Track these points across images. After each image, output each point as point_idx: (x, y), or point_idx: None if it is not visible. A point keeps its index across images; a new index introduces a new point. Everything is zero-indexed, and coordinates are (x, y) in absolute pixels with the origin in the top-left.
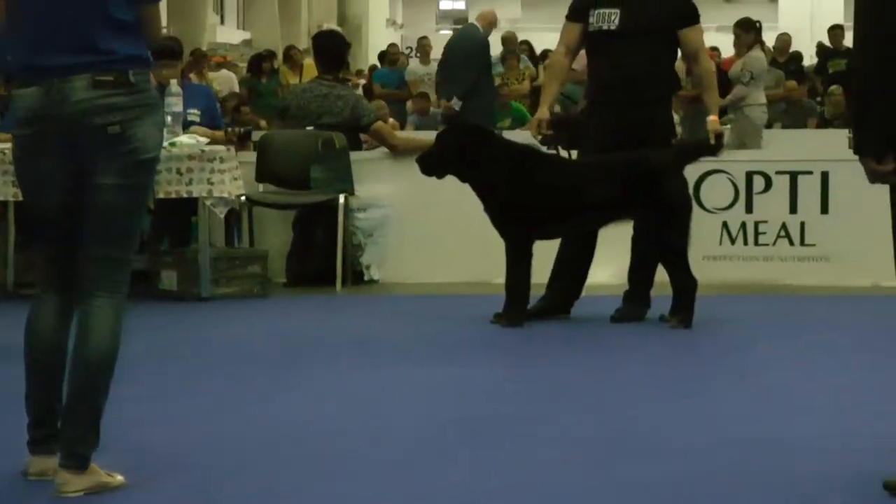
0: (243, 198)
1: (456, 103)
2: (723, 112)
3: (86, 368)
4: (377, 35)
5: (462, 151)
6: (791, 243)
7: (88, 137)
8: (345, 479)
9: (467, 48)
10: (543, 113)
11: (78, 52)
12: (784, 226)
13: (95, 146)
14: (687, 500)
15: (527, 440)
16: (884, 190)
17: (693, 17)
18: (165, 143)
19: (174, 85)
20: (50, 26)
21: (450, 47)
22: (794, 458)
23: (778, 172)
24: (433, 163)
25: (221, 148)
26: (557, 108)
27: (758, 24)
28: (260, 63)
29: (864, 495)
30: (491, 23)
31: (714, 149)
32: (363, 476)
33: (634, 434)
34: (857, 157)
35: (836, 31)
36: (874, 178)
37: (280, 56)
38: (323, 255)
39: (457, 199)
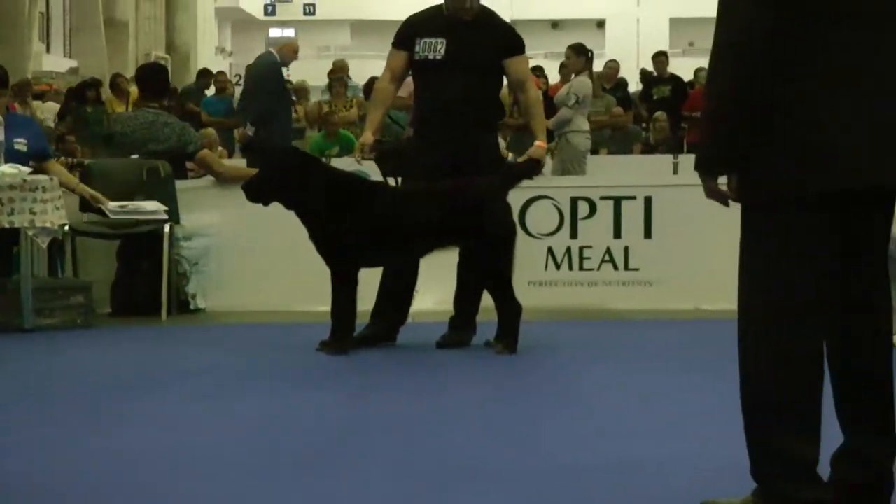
0: (67, 227)
1: (250, 129)
2: (549, 136)
3: None
4: (207, 63)
5: (287, 178)
6: (615, 268)
7: None
8: None
9: (259, 74)
10: (367, 137)
11: None
12: (608, 250)
13: None
14: None
15: (356, 469)
16: (706, 214)
17: (518, 48)
18: None
19: None
20: None
21: (245, 75)
22: (625, 480)
23: (602, 198)
24: (258, 189)
25: (44, 177)
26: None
27: (590, 54)
28: (84, 91)
29: None
30: (292, 50)
31: (532, 171)
32: None
33: (462, 460)
34: (679, 182)
35: (660, 58)
36: (711, 196)
37: (107, 85)
38: (148, 284)
39: (282, 226)
